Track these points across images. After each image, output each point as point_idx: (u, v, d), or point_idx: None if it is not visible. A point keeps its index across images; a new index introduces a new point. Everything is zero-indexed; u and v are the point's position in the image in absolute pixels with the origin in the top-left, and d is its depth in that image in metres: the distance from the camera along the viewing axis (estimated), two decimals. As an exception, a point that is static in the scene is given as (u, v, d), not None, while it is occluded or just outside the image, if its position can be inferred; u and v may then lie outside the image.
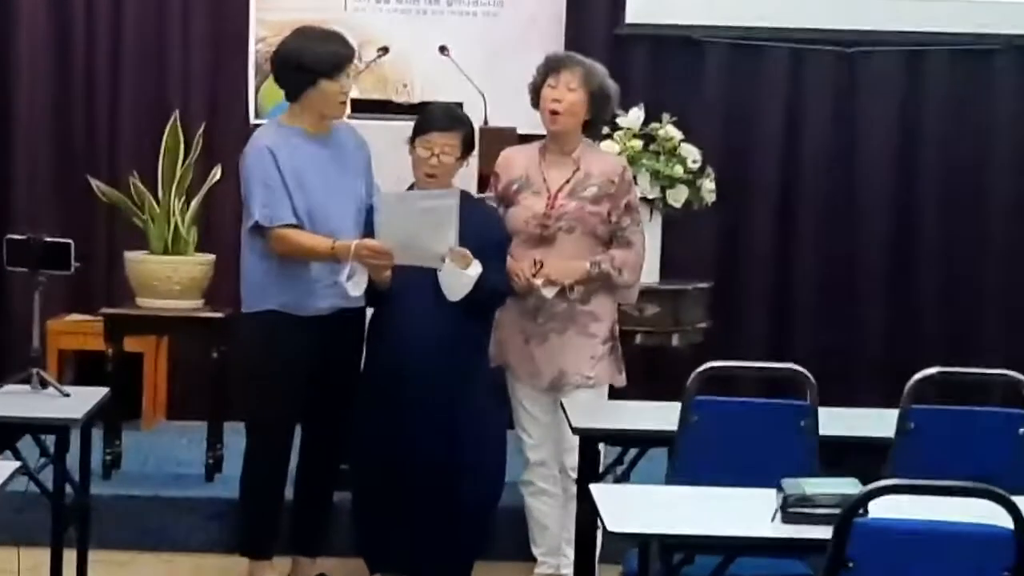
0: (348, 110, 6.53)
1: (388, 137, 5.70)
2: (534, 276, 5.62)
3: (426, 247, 5.32)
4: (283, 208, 5.49)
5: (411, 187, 5.58)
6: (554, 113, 5.71)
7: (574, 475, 5.54)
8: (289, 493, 5.82)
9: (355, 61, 5.66)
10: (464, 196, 5.46)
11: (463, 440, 5.49)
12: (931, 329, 8.33)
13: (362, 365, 5.66)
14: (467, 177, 5.83)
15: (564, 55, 5.96)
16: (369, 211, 5.54)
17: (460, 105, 6.00)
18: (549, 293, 5.64)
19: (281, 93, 5.73)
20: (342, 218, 5.55)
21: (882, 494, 3.40)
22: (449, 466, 5.47)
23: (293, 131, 5.60)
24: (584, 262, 5.68)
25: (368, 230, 5.49)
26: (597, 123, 5.93)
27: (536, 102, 5.79)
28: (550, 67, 5.79)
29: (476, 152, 5.76)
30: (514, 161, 5.83)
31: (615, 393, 5.85)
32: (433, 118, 5.57)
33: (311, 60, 5.55)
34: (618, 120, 6.99)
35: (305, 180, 5.52)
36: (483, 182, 6.01)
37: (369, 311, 5.65)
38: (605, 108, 5.86)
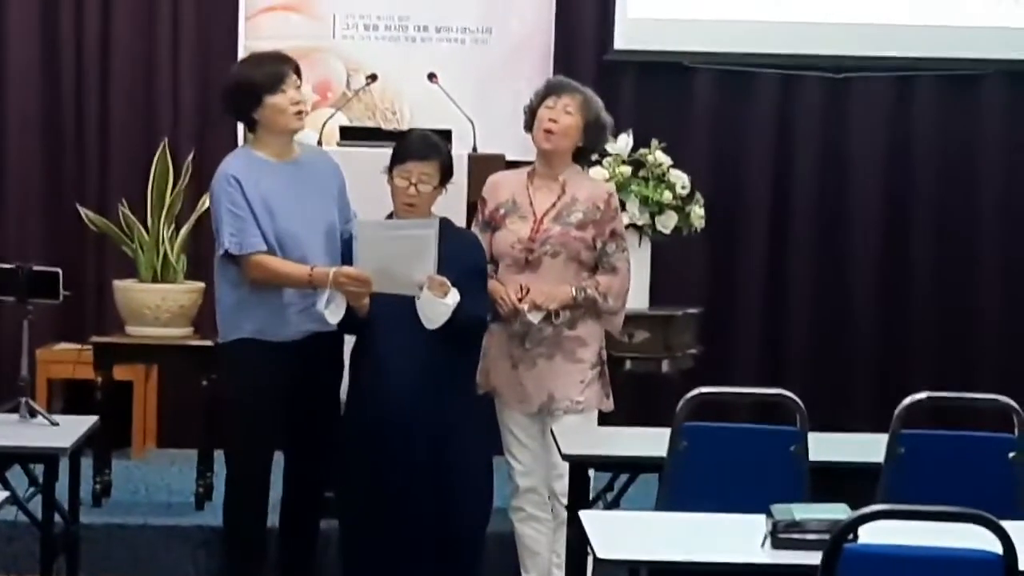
0: (338, 137, 6.56)
1: (377, 164, 5.66)
2: (520, 301, 5.62)
3: (404, 275, 5.31)
4: (252, 235, 5.46)
5: (390, 216, 5.56)
6: (548, 132, 5.71)
7: (564, 500, 5.53)
8: (275, 522, 5.80)
9: (293, 73, 5.58)
10: (444, 223, 5.44)
11: (449, 468, 5.45)
12: (922, 353, 8.34)
13: (344, 393, 5.64)
14: (456, 204, 5.82)
15: (566, 81, 5.92)
16: (348, 238, 5.52)
17: (448, 132, 5.98)
18: (535, 318, 5.63)
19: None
20: (312, 244, 5.52)
21: (871, 519, 3.41)
22: (436, 495, 5.44)
23: (259, 158, 5.57)
24: (569, 287, 5.68)
25: (346, 256, 5.48)
26: (588, 152, 5.92)
27: (530, 124, 5.78)
28: (550, 89, 5.78)
29: (465, 179, 5.74)
30: (501, 185, 5.82)
31: (603, 418, 5.84)
32: (409, 147, 5.51)
33: (247, 81, 5.56)
34: (607, 146, 6.99)
35: (273, 206, 5.49)
36: (472, 209, 5.99)
37: (348, 339, 5.62)
38: (598, 138, 5.85)
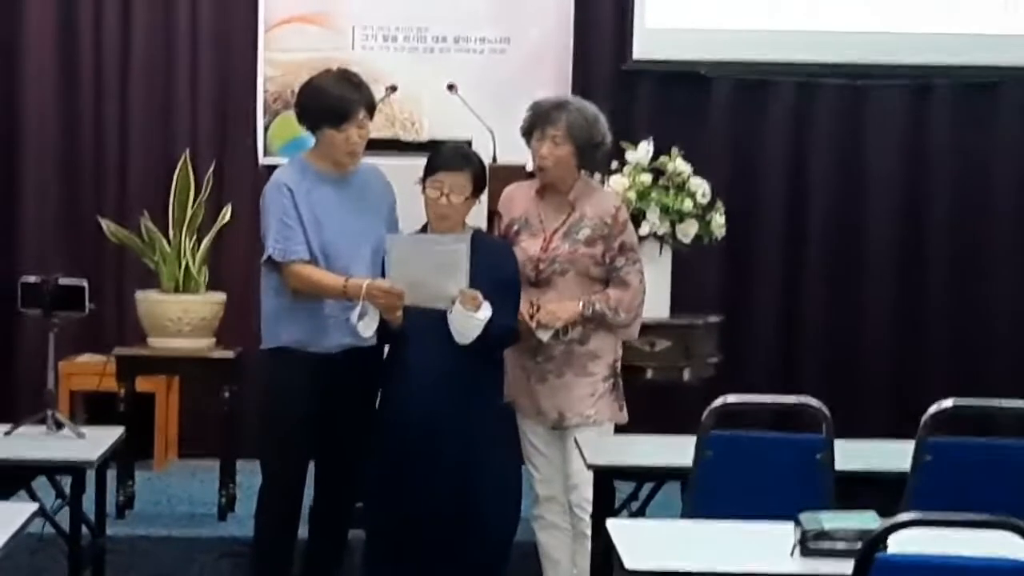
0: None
1: (397, 175, 5.70)
2: (531, 318, 5.61)
3: (436, 289, 5.32)
4: (297, 244, 5.50)
5: (424, 227, 5.58)
6: (542, 168, 5.71)
7: (578, 511, 5.55)
8: (304, 531, 5.81)
9: (364, 111, 5.57)
10: (477, 234, 5.46)
11: (477, 481, 5.45)
12: (940, 359, 8.34)
13: (378, 403, 5.65)
14: (477, 215, 5.82)
15: (548, 106, 5.80)
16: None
17: (469, 143, 6.01)
18: (545, 336, 5.63)
19: (291, 132, 5.76)
20: (356, 259, 5.54)
21: (904, 528, 3.39)
22: (462, 507, 5.44)
23: (313, 170, 5.60)
24: (577, 302, 5.66)
25: (382, 271, 5.49)
26: (589, 167, 5.87)
27: (529, 144, 5.79)
28: (535, 121, 5.74)
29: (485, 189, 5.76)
30: (515, 200, 5.82)
31: (624, 427, 5.84)
32: (441, 158, 5.53)
33: (315, 107, 5.58)
34: (627, 155, 7.01)
35: (321, 219, 5.53)
36: (492, 219, 6.01)
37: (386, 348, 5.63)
38: (595, 154, 5.79)
